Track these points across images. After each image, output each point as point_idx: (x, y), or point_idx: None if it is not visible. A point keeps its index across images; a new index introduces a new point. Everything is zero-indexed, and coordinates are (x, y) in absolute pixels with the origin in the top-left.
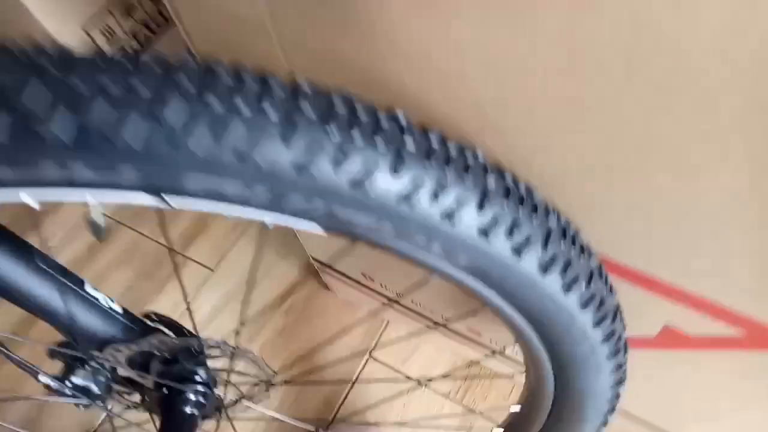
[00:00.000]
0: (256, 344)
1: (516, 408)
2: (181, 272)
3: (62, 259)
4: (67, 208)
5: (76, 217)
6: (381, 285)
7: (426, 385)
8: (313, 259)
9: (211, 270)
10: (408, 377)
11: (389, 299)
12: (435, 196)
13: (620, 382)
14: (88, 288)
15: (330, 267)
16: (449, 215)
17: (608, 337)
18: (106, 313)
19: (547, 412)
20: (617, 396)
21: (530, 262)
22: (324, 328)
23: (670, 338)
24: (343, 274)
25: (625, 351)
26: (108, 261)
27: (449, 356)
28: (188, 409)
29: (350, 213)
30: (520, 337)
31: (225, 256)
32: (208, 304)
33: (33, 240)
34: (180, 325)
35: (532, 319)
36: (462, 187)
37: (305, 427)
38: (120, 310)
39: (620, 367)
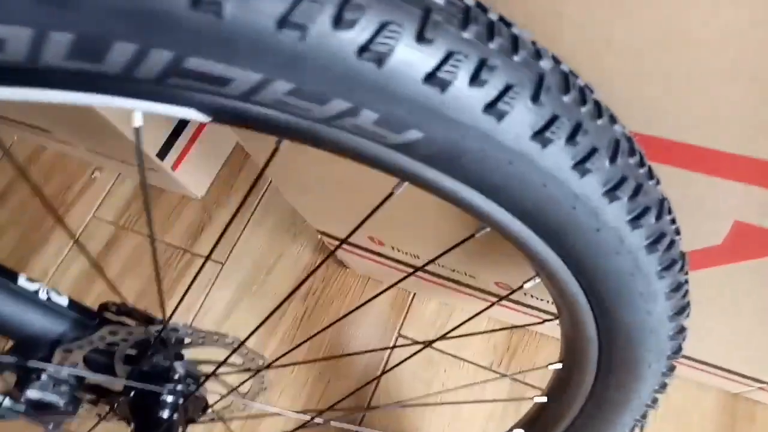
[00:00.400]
0: (276, 337)
1: (557, 366)
2: (191, 270)
3: (72, 273)
4: (71, 222)
5: (86, 221)
6: (393, 249)
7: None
8: (320, 232)
9: (222, 263)
10: (444, 352)
11: (407, 265)
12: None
13: (682, 310)
14: (22, 281)
15: (337, 238)
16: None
17: (655, 242)
18: (47, 308)
19: (595, 362)
20: (681, 330)
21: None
22: (346, 310)
23: (741, 241)
24: (352, 243)
25: (684, 265)
26: (117, 270)
27: (486, 324)
28: (165, 414)
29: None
30: (540, 264)
31: (233, 246)
32: (222, 301)
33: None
34: (145, 312)
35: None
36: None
37: (299, 417)
38: (65, 303)
39: (679, 288)
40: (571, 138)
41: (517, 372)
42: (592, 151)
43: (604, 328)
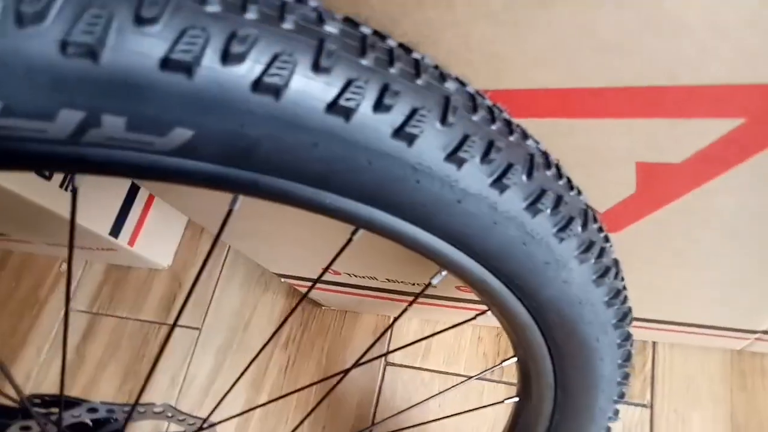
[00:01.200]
0: (264, 392)
1: (512, 360)
2: (170, 342)
3: (55, 369)
4: (47, 319)
5: (61, 316)
6: (350, 275)
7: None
8: (279, 275)
9: (198, 329)
10: (438, 371)
11: (370, 289)
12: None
13: (606, 271)
14: None
15: (298, 278)
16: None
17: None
18: None
19: (543, 347)
20: (617, 294)
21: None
22: (330, 350)
23: (653, 184)
24: (312, 280)
25: (592, 219)
26: (98, 357)
27: (471, 333)
28: None
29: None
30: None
31: (207, 309)
32: (205, 367)
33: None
34: (74, 398)
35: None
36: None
37: None
38: None
39: (591, 247)
40: (486, 155)
41: (481, 372)
42: (508, 167)
43: (533, 309)
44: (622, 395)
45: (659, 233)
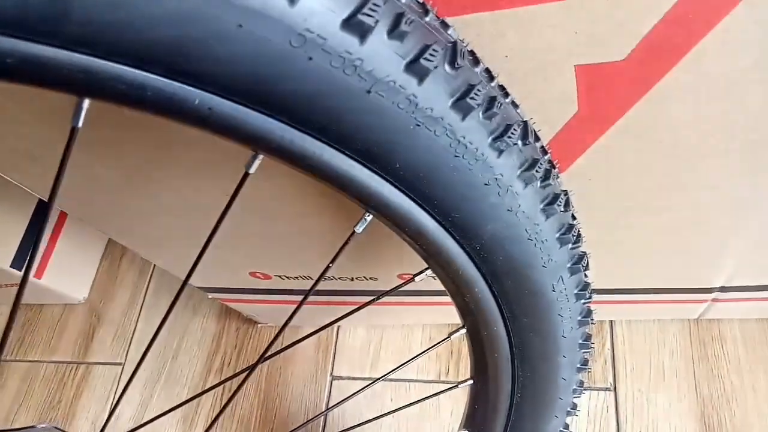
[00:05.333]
0: (198, 426)
1: (461, 332)
2: (89, 382)
3: None
4: None
5: None
6: (282, 278)
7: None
8: (203, 289)
9: (122, 364)
10: (390, 379)
11: (303, 293)
12: None
13: (552, 200)
14: None
15: (225, 290)
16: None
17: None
18: None
19: (494, 305)
20: (567, 230)
21: None
22: (269, 371)
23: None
24: (238, 290)
25: (532, 136)
26: (6, 409)
27: (421, 333)
28: None
29: None
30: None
31: (130, 342)
32: (131, 404)
33: None
34: None
35: None
36: None
37: None
38: None
39: (534, 165)
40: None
41: (439, 392)
42: (425, 48)
43: (477, 255)
44: (585, 362)
45: (607, 169)
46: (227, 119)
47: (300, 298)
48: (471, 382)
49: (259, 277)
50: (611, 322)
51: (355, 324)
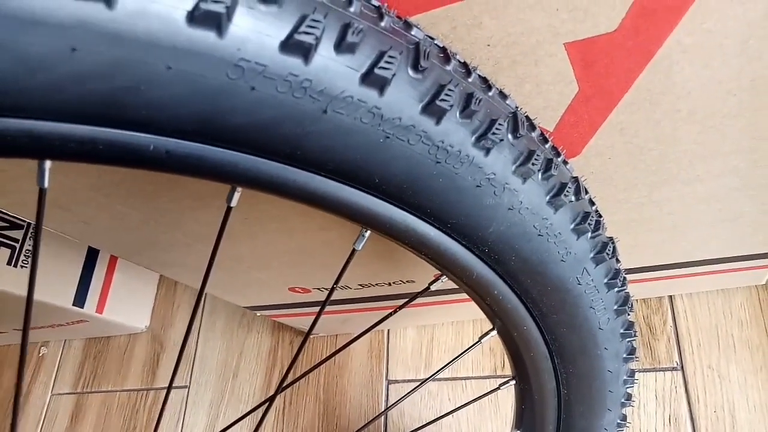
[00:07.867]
0: None
1: (492, 334)
2: (160, 407)
3: None
4: (33, 408)
5: (46, 401)
6: (320, 290)
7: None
8: (249, 308)
9: (186, 387)
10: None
11: (344, 302)
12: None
13: (561, 189)
14: None
15: (267, 307)
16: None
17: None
18: None
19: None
20: (584, 218)
21: None
22: (326, 380)
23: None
24: (282, 306)
25: (532, 127)
26: None
27: (473, 328)
28: None
29: None
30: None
31: (193, 364)
32: (199, 426)
33: None
34: None
35: None
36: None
37: None
38: None
39: (529, 156)
40: (342, 39)
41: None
42: (381, 55)
43: (488, 258)
44: (632, 351)
45: (625, 146)
46: (188, 159)
47: (344, 307)
48: (513, 381)
49: (298, 292)
50: (670, 297)
51: (404, 326)
